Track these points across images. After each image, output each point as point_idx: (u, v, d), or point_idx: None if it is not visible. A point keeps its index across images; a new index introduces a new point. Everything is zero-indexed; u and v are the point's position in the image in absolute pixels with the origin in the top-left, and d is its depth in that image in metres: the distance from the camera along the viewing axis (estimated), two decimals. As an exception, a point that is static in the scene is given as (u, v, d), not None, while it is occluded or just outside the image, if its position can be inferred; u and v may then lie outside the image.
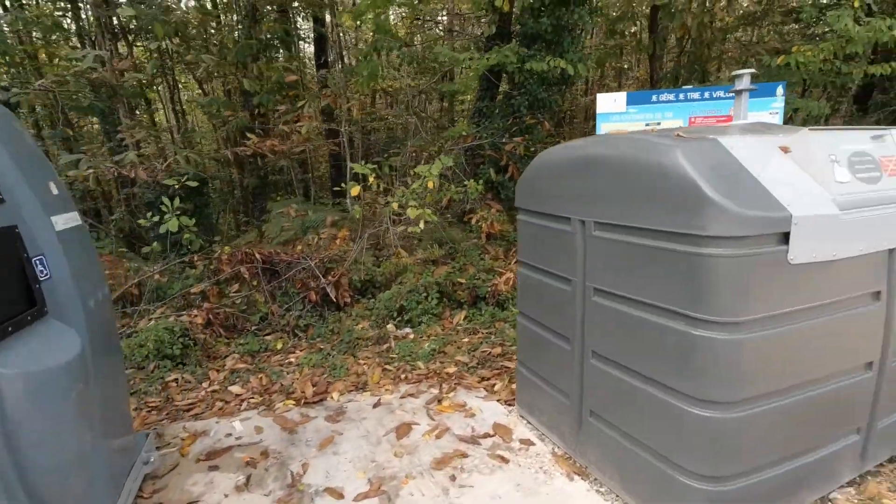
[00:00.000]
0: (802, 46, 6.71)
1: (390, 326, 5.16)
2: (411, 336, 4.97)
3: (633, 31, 8.89)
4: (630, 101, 4.85)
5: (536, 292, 2.87)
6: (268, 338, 4.90)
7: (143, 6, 6.12)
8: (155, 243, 5.60)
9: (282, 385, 3.87)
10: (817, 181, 2.05)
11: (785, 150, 2.16)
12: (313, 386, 3.82)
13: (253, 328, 5.00)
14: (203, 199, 8.25)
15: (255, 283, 5.28)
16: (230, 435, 3.19)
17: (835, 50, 6.27)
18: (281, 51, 9.30)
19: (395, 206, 5.46)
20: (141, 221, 4.93)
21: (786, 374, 2.00)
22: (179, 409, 3.56)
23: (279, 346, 4.69)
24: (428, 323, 5.11)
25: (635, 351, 2.21)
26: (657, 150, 2.02)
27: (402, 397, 3.69)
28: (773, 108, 4.49)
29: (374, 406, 3.56)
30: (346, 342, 4.74)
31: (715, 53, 7.56)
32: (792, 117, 7.57)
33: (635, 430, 2.27)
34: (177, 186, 5.27)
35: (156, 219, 5.15)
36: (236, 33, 7.89)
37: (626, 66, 9.99)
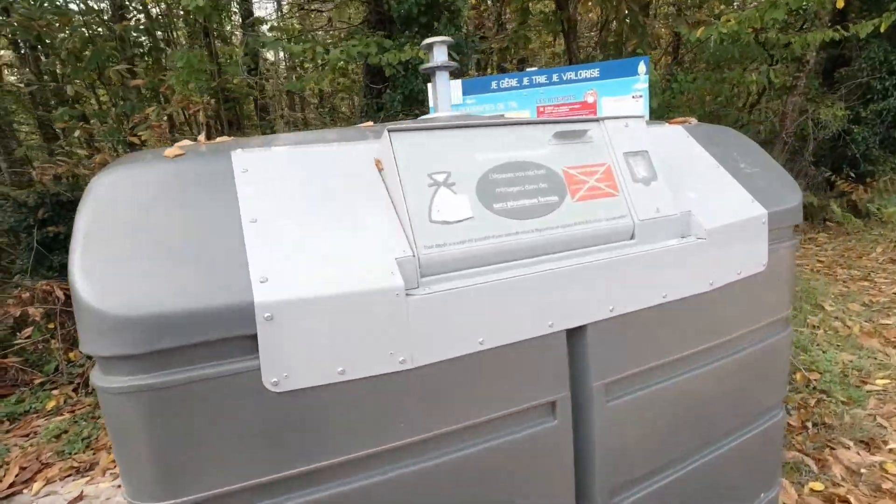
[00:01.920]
0: (731, 16, 5.68)
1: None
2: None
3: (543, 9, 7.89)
4: (467, 90, 3.93)
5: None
6: (55, 392, 4.13)
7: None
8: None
9: (-14, 471, 3.08)
10: (405, 221, 1.16)
11: (378, 165, 1.27)
12: (21, 470, 3.02)
13: (38, 382, 4.23)
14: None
15: (51, 325, 4.51)
16: None
17: (760, 16, 5.23)
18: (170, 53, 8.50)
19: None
20: None
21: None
22: None
23: (51, 405, 3.91)
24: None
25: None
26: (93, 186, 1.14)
27: (120, 486, 2.86)
28: (635, 91, 3.54)
29: (72, 502, 2.74)
30: (137, 397, 3.93)
31: (638, 28, 6.55)
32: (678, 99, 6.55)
33: None
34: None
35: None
36: (95, 34, 7.08)
37: (559, 51, 8.97)
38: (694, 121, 1.89)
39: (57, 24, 6.89)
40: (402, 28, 5.82)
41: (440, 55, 1.82)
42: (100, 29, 7.13)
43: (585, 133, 1.41)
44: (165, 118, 6.18)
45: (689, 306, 1.45)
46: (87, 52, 6.83)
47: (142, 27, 7.32)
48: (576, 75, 3.64)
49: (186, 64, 4.65)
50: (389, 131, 1.20)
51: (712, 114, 7.19)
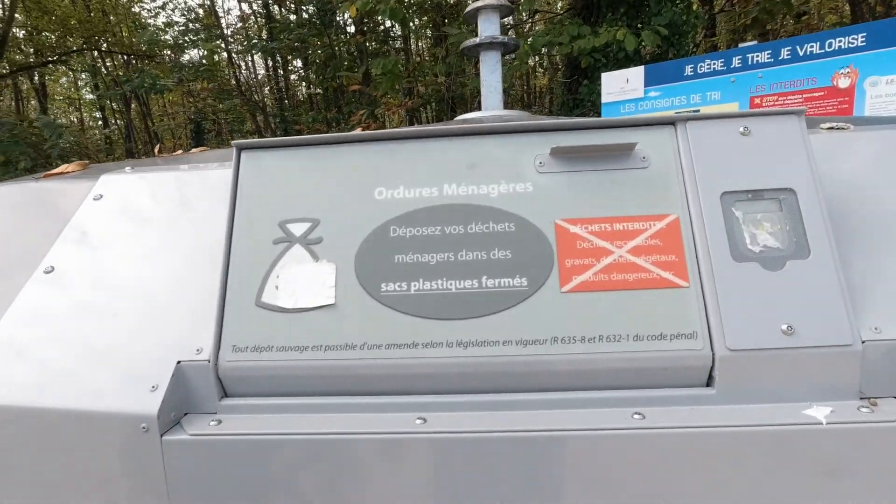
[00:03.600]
0: None
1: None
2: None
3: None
4: (650, 80, 3.01)
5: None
6: None
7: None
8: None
9: None
10: (218, 300, 0.72)
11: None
12: None
13: None
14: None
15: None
16: None
17: None
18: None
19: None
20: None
21: None
22: None
23: None
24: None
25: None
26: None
27: None
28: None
29: None
30: None
31: None
32: None
33: None
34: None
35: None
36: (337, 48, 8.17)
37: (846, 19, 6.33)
38: None
39: (317, 42, 8.18)
40: (606, 11, 5.01)
41: (488, 27, 1.25)
42: (346, 45, 8.23)
43: (631, 150, 0.70)
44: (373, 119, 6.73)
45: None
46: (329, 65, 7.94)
47: (378, 38, 8.17)
48: (821, 47, 2.39)
49: (384, 70, 4.87)
50: (240, 149, 0.76)
51: None
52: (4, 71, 9.79)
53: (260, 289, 0.69)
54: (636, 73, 3.06)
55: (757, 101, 2.61)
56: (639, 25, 4.47)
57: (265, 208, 0.72)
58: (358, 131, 0.97)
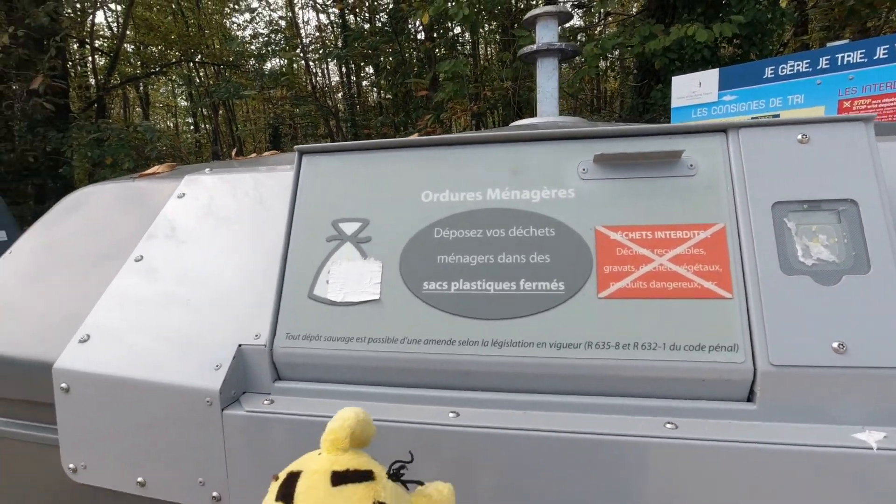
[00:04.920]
0: None
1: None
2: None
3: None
4: (725, 84, 2.85)
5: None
6: None
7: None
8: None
9: None
10: (276, 291, 0.79)
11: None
12: None
13: None
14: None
15: None
16: None
17: None
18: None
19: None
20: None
21: None
22: None
23: None
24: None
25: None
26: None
27: None
28: None
29: None
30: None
31: None
32: None
33: None
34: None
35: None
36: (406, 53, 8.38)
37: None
38: None
39: (388, 49, 8.45)
40: (682, 11, 4.81)
41: (546, 33, 1.26)
42: (414, 51, 8.45)
43: (677, 157, 0.69)
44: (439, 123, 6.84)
45: None
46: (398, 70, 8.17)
47: (447, 44, 8.30)
48: (926, 45, 2.16)
49: (451, 70, 4.95)
50: (302, 153, 0.83)
51: None
52: (116, 82, 10.93)
53: (313, 282, 0.75)
54: (710, 77, 2.92)
55: (846, 104, 2.41)
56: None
57: (321, 208, 0.79)
58: (413, 137, 1.02)
